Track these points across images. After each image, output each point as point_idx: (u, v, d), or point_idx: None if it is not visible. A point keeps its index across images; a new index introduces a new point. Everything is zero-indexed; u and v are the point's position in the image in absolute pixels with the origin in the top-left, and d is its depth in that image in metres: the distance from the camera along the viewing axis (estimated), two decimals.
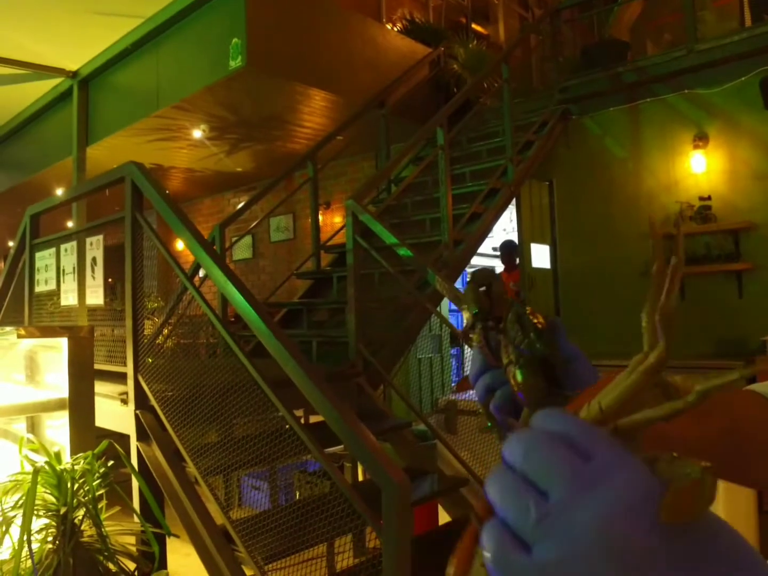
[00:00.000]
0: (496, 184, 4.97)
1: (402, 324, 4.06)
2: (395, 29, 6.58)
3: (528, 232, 6.24)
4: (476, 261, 7.63)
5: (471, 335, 0.60)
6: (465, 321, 0.61)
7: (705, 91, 5.10)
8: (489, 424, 0.59)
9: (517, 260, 6.15)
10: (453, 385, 6.74)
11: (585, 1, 6.41)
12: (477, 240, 4.78)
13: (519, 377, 0.52)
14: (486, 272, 0.62)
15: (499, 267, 6.41)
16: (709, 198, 5.12)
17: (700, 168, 5.18)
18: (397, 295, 4.18)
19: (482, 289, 0.60)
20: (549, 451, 0.31)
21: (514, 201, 5.79)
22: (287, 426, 2.62)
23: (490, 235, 5.77)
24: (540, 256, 6.25)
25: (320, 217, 6.18)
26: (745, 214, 4.94)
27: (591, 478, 0.30)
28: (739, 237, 4.97)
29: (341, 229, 5.22)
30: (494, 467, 0.34)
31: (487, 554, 0.31)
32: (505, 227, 7.17)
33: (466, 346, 7.03)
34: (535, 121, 5.61)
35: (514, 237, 6.49)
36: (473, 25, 7.84)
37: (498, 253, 6.53)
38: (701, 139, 5.13)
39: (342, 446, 4.10)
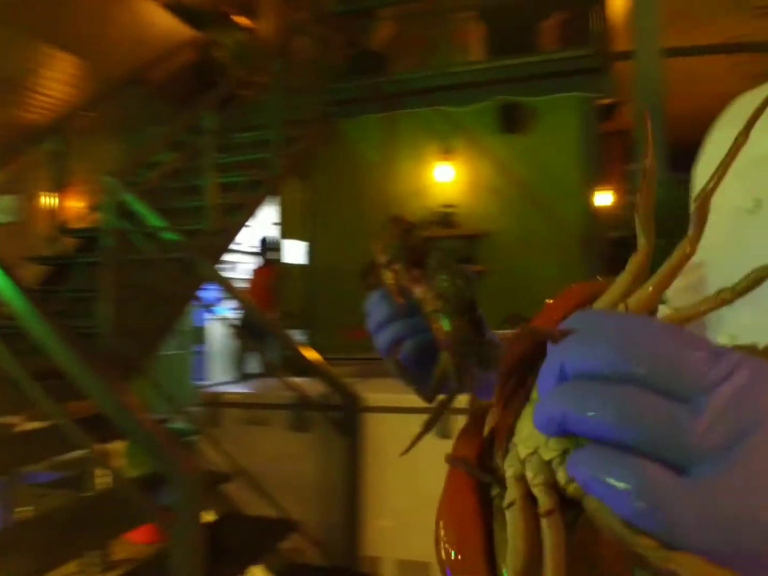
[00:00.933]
0: (258, 176, 4.93)
1: (160, 314, 3.83)
2: (159, 4, 6.17)
3: (287, 228, 6.28)
4: (237, 258, 7.46)
5: (383, 272, 0.57)
6: (375, 256, 0.58)
7: (453, 109, 5.61)
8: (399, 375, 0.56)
9: (275, 256, 6.16)
10: (199, 381, 6.50)
11: (346, 12, 6.65)
12: (237, 229, 4.70)
13: (447, 325, 0.50)
14: (408, 219, 0.60)
15: (256, 263, 6.36)
16: (453, 206, 5.68)
17: (446, 178, 5.72)
18: (154, 283, 3.93)
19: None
20: (665, 351, 0.25)
21: (275, 198, 5.78)
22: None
23: (252, 231, 5.71)
24: (298, 251, 6.36)
25: (58, 199, 5.55)
26: (482, 222, 5.57)
27: (726, 375, 0.25)
28: (477, 242, 5.59)
29: (89, 211, 4.77)
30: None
31: (625, 490, 0.24)
32: (265, 223, 7.14)
33: (210, 341, 6.84)
34: (299, 119, 5.67)
35: (274, 233, 6.51)
36: (241, 17, 7.69)
37: (257, 249, 6.48)
38: (448, 152, 5.67)
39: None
